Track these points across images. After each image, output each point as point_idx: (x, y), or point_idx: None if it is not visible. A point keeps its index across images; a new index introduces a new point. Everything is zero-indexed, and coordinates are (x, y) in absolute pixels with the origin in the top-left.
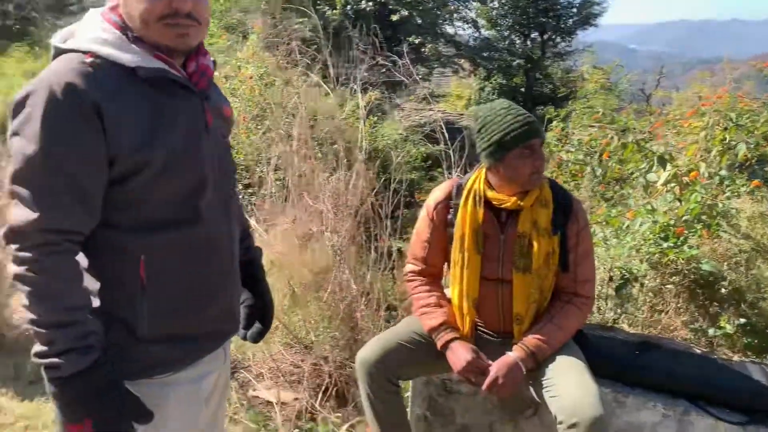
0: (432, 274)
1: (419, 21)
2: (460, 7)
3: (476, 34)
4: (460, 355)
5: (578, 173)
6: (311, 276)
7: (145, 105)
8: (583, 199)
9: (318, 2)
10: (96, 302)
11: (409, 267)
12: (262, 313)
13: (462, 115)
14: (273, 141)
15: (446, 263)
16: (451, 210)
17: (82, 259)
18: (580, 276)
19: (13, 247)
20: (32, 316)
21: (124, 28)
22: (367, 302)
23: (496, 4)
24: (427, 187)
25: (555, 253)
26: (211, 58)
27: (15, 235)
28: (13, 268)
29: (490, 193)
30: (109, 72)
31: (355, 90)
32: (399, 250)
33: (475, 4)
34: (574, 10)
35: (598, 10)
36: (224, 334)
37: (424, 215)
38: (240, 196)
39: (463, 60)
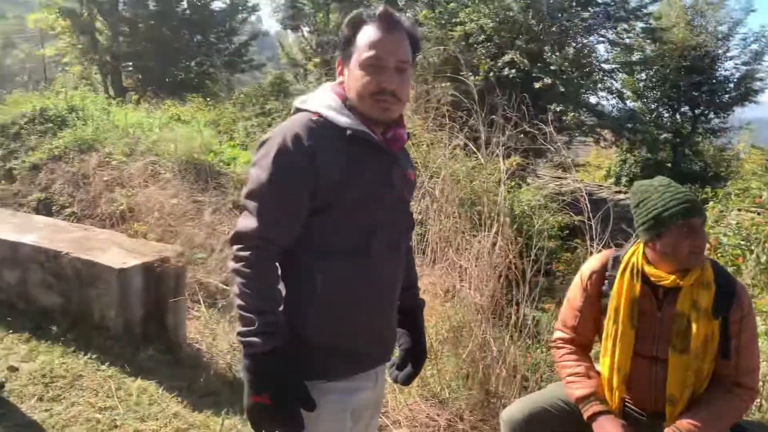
0: (581, 344)
1: (562, 89)
2: (605, 78)
3: (621, 105)
4: (608, 429)
5: (738, 258)
6: (451, 331)
7: (347, 156)
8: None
9: (462, 69)
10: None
11: (558, 334)
12: (416, 359)
13: (601, 186)
14: (415, 198)
15: (596, 334)
16: (606, 281)
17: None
18: (743, 365)
19: (235, 247)
20: (240, 302)
21: (345, 99)
22: (504, 366)
23: (643, 76)
24: (565, 257)
25: (715, 338)
26: (407, 130)
27: (239, 238)
28: (231, 264)
29: (648, 269)
30: (327, 129)
31: (497, 154)
32: (535, 319)
33: (621, 75)
34: (732, 85)
35: (759, 86)
36: (376, 359)
37: (577, 283)
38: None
39: (605, 130)
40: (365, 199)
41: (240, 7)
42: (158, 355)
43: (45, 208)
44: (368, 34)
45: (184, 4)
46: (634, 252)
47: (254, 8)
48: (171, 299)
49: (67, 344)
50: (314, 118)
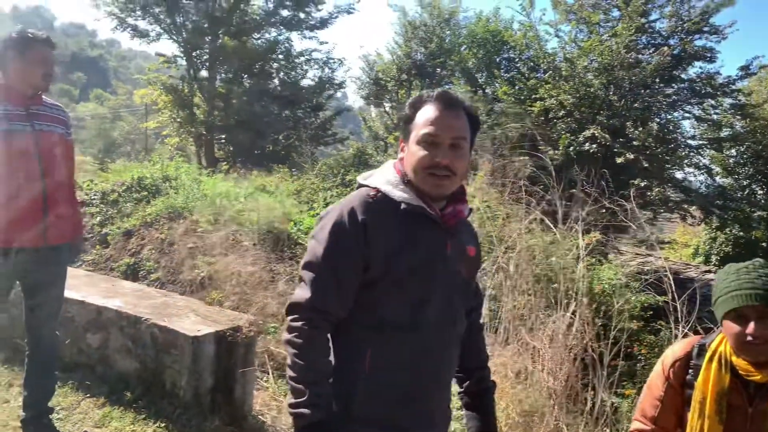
0: None
1: (645, 165)
2: (692, 153)
3: (709, 181)
4: None
5: None
6: (521, 416)
7: (401, 230)
8: None
9: (541, 143)
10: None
11: (636, 425)
12: None
13: (689, 265)
14: (488, 271)
15: (679, 429)
16: (690, 370)
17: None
18: None
19: (289, 318)
20: (292, 373)
21: (404, 175)
22: None
23: (734, 152)
24: (648, 339)
25: None
26: (470, 207)
27: (293, 308)
28: (285, 335)
29: (737, 360)
30: (383, 204)
31: (576, 230)
32: (613, 405)
33: (709, 151)
34: None
35: None
36: None
37: (659, 371)
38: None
39: (692, 207)
40: (416, 272)
41: (327, 85)
42: (223, 427)
43: (133, 272)
44: (427, 112)
45: (276, 81)
46: (722, 340)
47: (340, 85)
48: (240, 369)
49: (139, 411)
50: (372, 193)
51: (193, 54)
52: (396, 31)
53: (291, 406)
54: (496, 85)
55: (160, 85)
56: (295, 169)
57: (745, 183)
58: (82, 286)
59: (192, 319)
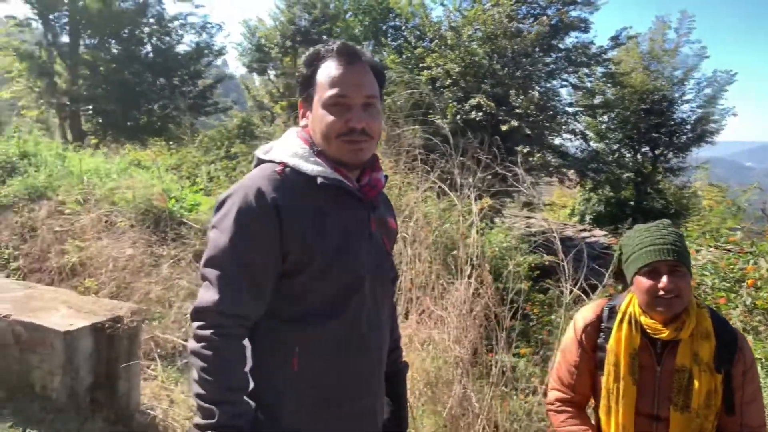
0: (580, 404)
1: (528, 132)
2: (569, 120)
3: (584, 146)
4: None
5: (721, 299)
6: (428, 387)
7: (318, 210)
8: None
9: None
10: (250, 384)
11: (554, 395)
12: (396, 429)
13: (566, 224)
14: None
15: (592, 393)
16: (602, 333)
17: (246, 344)
18: (748, 420)
19: (195, 325)
20: (199, 390)
21: (312, 144)
22: (486, 422)
23: (605, 118)
24: (538, 298)
25: (718, 392)
26: (384, 174)
27: (198, 314)
28: (191, 344)
29: (645, 320)
30: (294, 180)
31: (468, 196)
32: (511, 366)
33: (584, 117)
34: (688, 126)
35: (715, 128)
36: None
37: (571, 336)
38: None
39: (570, 170)
40: (341, 255)
41: (205, 51)
42: (107, 427)
43: None
44: (328, 70)
45: (148, 47)
46: (630, 301)
47: (220, 52)
48: (123, 363)
49: (4, 419)
50: (279, 168)
51: (51, 17)
52: None
53: (198, 427)
54: (384, 53)
55: (13, 50)
56: (173, 142)
57: (615, 147)
58: None
59: (63, 312)
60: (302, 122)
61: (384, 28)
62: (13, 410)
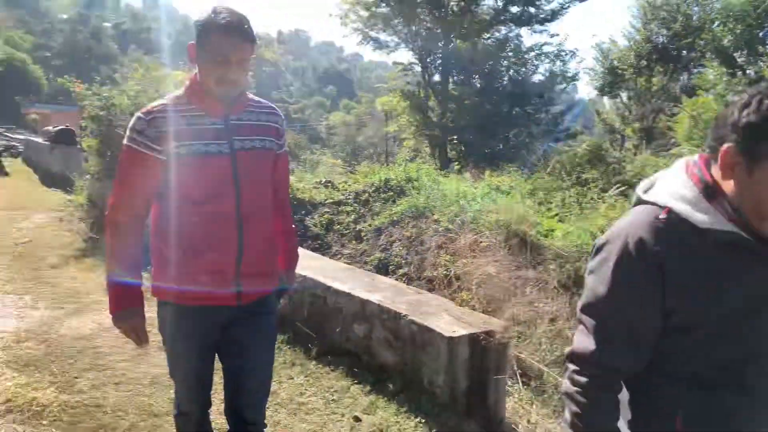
0: None
1: None
2: None
3: None
4: None
5: None
6: None
7: (709, 266)
8: None
9: None
10: None
11: None
12: None
13: None
14: None
15: None
16: None
17: (622, 395)
18: None
19: (571, 367)
20: (580, 425)
21: (705, 185)
22: None
23: None
24: None
25: None
26: None
27: (575, 359)
28: (566, 385)
29: None
30: (679, 229)
31: None
32: None
33: None
34: None
35: None
36: None
37: None
38: None
39: None
40: (736, 317)
41: (558, 78)
42: (479, 430)
43: (384, 267)
44: None
45: (506, 79)
46: None
47: (573, 78)
48: (493, 375)
49: (401, 404)
50: (662, 215)
51: (427, 60)
52: (633, 14)
53: None
54: (761, 64)
55: (399, 92)
56: (525, 167)
57: None
58: (346, 278)
59: (446, 319)
60: (692, 158)
61: (761, 35)
62: (407, 397)
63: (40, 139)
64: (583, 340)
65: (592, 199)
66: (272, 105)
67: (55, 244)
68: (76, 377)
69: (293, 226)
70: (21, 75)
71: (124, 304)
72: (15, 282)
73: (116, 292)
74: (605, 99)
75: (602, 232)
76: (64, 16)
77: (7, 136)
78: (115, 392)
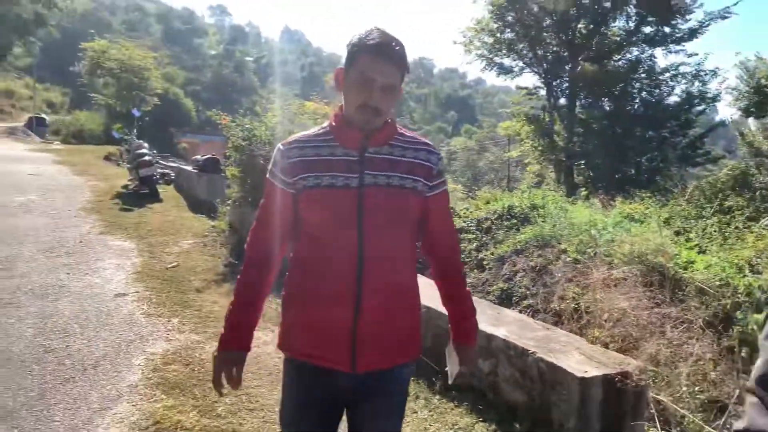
0: None
1: None
2: None
3: None
4: None
5: None
6: None
7: None
8: None
9: None
10: None
11: None
12: None
13: None
14: None
15: None
16: None
17: None
18: None
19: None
20: None
21: None
22: None
23: None
24: None
25: None
26: None
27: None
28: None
29: None
30: None
31: None
32: None
33: None
34: None
35: None
36: None
37: None
38: None
39: None
40: None
41: (696, 100)
42: None
43: (506, 297)
44: None
45: (638, 101)
46: None
47: (714, 99)
48: (630, 419)
49: None
50: None
51: (553, 83)
52: None
53: None
54: None
55: (522, 116)
56: (660, 194)
57: None
58: None
59: (576, 358)
60: None
61: None
62: None
63: (189, 167)
64: (759, 419)
65: (737, 228)
66: (427, 141)
67: (199, 269)
68: (215, 401)
69: (466, 289)
70: (175, 107)
71: (227, 346)
72: (165, 305)
73: (225, 331)
74: (750, 120)
75: (750, 265)
76: (213, 52)
77: (162, 164)
78: (250, 418)
